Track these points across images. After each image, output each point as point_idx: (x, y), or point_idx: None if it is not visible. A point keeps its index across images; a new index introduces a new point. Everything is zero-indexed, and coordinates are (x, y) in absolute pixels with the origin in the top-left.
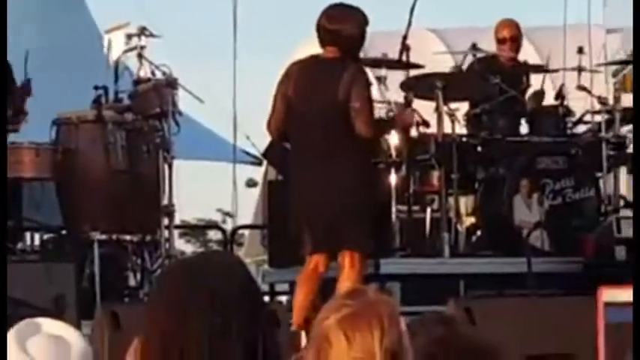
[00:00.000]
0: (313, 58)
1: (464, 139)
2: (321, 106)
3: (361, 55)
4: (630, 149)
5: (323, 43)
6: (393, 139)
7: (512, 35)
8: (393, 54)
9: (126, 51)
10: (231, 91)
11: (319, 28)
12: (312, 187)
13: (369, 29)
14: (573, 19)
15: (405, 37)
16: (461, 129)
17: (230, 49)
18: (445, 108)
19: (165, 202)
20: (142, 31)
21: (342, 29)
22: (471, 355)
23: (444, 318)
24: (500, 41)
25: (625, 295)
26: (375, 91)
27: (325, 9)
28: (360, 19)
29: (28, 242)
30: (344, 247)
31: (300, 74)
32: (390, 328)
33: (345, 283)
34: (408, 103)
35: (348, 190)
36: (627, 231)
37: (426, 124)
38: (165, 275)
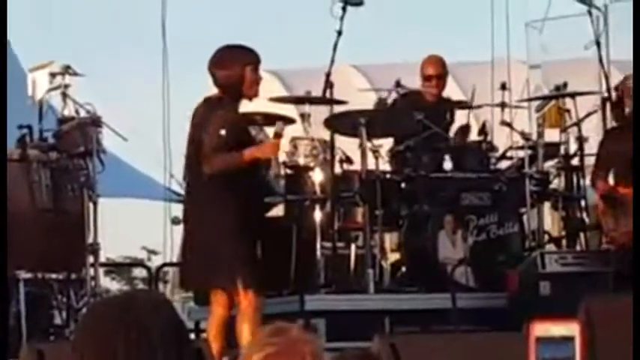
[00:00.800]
0: (205, 100)
1: (388, 175)
2: (196, 147)
3: (285, 92)
4: (553, 184)
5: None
6: (317, 176)
7: (438, 73)
8: (317, 91)
9: (50, 90)
10: (159, 129)
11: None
12: (190, 227)
13: (292, 66)
14: (497, 55)
15: (328, 74)
16: (384, 165)
17: (159, 87)
18: (369, 144)
19: (90, 240)
20: (66, 70)
21: (217, 73)
22: None
23: (366, 354)
24: (425, 78)
25: (557, 329)
26: (299, 128)
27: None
28: (238, 61)
29: None
30: (213, 285)
31: (194, 115)
32: None
33: (242, 322)
34: (276, 135)
35: (211, 231)
36: (551, 266)
37: (350, 160)
38: (91, 313)
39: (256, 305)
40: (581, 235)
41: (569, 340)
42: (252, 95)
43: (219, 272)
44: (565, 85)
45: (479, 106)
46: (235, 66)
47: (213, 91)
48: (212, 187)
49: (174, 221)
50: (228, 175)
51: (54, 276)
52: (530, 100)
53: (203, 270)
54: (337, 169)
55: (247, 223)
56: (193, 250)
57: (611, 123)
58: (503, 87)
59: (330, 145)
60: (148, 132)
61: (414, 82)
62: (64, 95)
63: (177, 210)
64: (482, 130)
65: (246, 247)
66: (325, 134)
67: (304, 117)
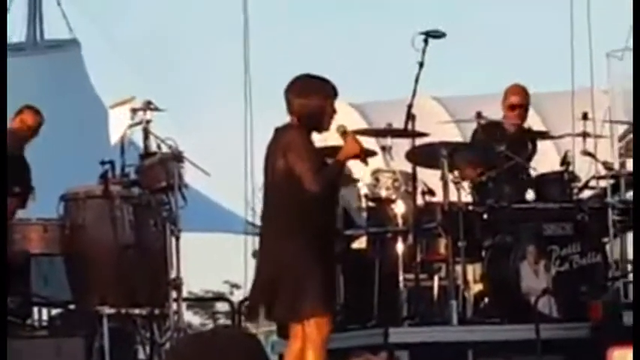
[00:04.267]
0: (277, 129)
1: (470, 207)
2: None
3: (366, 125)
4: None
5: None
6: (399, 207)
7: (522, 102)
8: (398, 123)
9: (131, 125)
10: (241, 162)
11: None
12: (258, 259)
13: (373, 99)
14: (577, 84)
15: (410, 106)
16: (467, 197)
17: (241, 121)
18: (450, 176)
19: (172, 275)
20: (147, 105)
21: (296, 100)
22: None
23: None
24: (509, 107)
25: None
26: (380, 161)
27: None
28: (320, 93)
29: (37, 317)
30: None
31: (270, 144)
32: None
33: (307, 349)
34: (343, 133)
35: (275, 264)
36: None
37: (432, 192)
38: (174, 351)
39: (321, 333)
40: None
41: None
42: (328, 128)
43: (282, 305)
44: None
45: (560, 136)
46: (316, 97)
47: None
48: (281, 219)
49: (255, 255)
50: (298, 207)
51: (137, 311)
52: (611, 122)
53: (266, 303)
54: (419, 201)
55: (316, 254)
56: (257, 283)
57: None
58: (585, 117)
59: (412, 177)
60: (230, 166)
61: (495, 114)
62: (146, 130)
63: (257, 244)
64: (564, 160)
65: (310, 277)
66: (407, 166)
67: (385, 149)
